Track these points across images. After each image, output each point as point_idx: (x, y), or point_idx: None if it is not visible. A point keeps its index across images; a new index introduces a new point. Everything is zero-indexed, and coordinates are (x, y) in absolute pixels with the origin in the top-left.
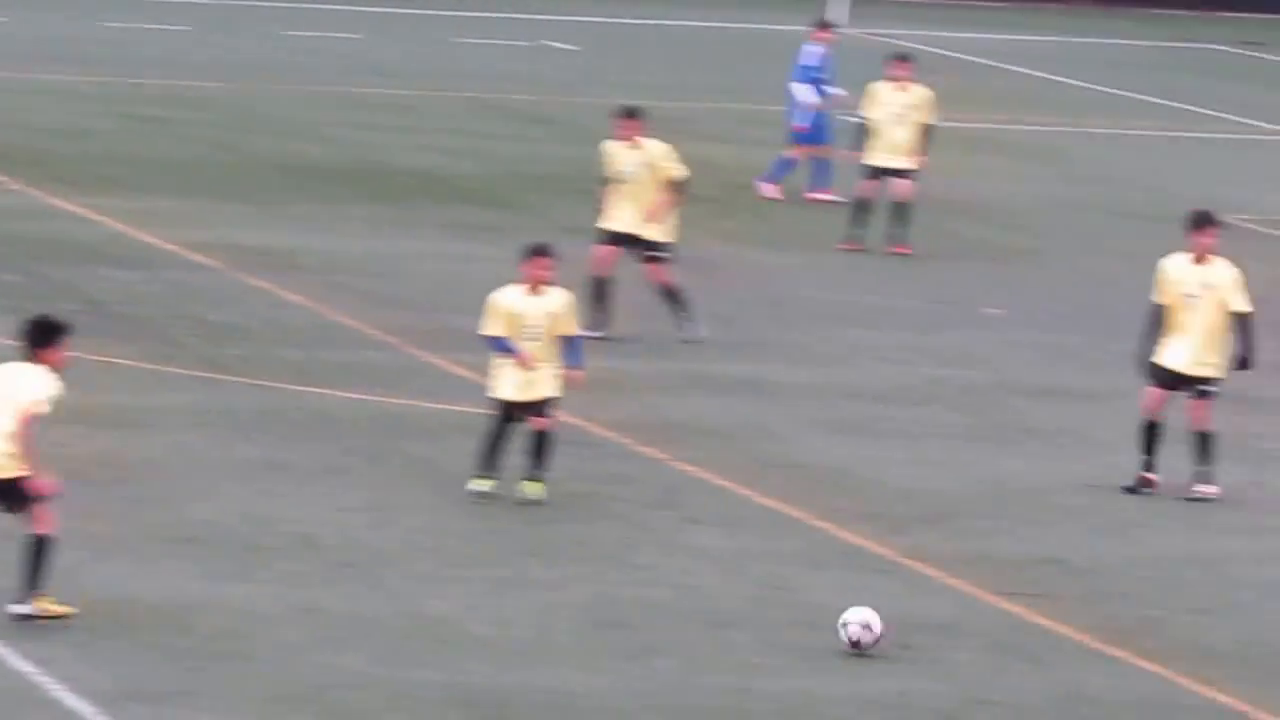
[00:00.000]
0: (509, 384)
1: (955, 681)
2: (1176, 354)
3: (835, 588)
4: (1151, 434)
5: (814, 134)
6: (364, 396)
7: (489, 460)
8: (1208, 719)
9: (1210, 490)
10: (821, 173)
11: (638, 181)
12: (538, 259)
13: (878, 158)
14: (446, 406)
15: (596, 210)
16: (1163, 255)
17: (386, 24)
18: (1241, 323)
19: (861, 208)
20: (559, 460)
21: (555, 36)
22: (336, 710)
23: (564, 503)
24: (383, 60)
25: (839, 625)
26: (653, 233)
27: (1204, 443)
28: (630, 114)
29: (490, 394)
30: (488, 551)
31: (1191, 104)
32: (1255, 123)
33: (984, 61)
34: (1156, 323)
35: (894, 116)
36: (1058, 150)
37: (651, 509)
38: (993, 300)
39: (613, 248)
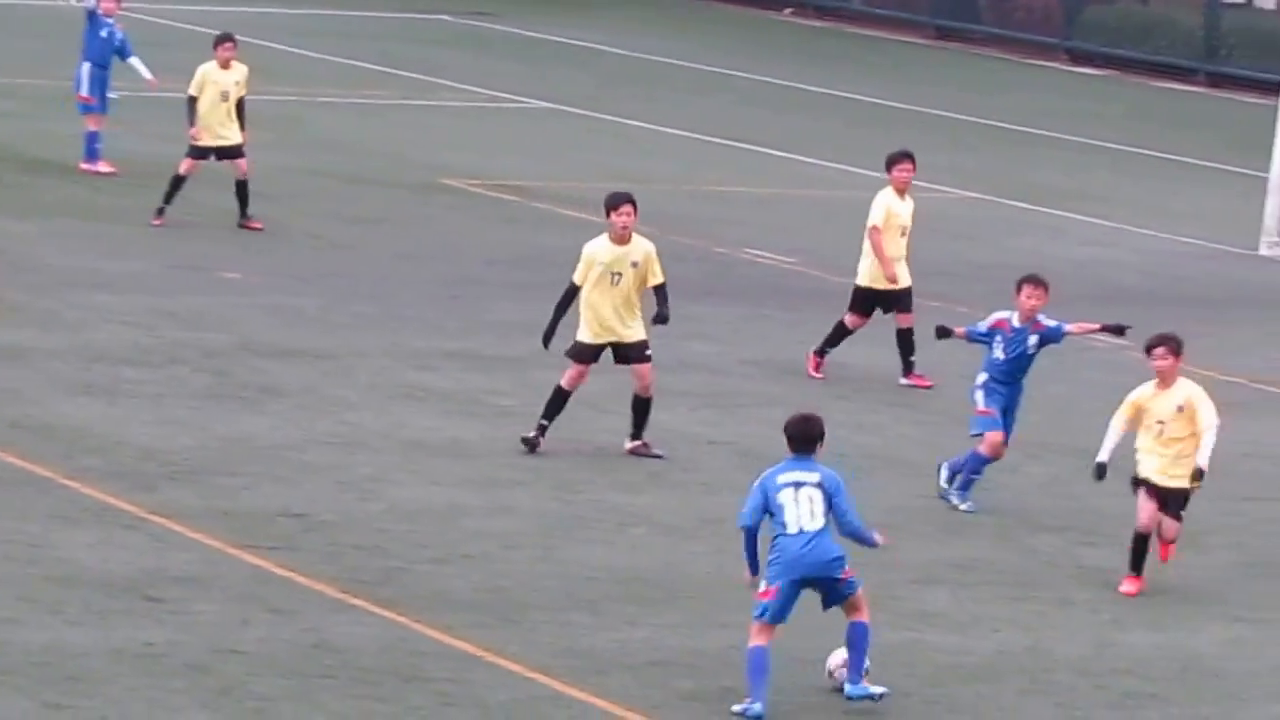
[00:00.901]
0: None
1: (202, 632)
2: (601, 329)
3: (84, 544)
4: (561, 403)
5: (97, 105)
6: None
7: None
8: (446, 664)
9: (657, 450)
10: (94, 143)
11: None
12: None
13: (205, 137)
14: None
15: None
16: (403, 220)
17: None
18: (661, 291)
19: (179, 184)
20: None
21: None
22: None
23: None
24: None
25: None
26: None
27: (647, 406)
28: None
29: None
30: None
31: (421, 73)
32: (482, 90)
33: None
34: (569, 302)
35: (220, 95)
36: (294, 119)
37: None
38: (232, 265)
39: None
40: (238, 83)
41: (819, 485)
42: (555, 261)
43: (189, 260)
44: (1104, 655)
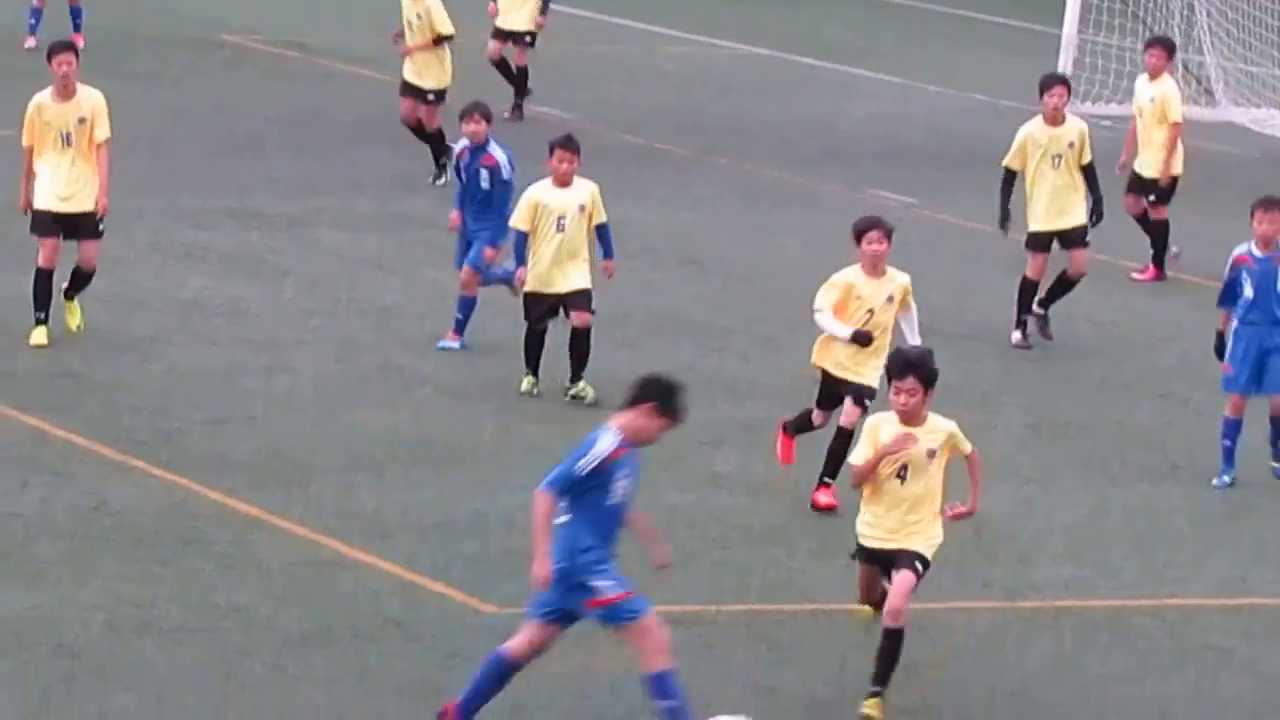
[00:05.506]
0: None
1: None
2: (1048, 214)
3: None
4: (1033, 293)
5: None
6: None
7: None
8: (227, 527)
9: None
10: None
11: None
12: None
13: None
14: None
15: None
16: (179, 77)
17: None
18: (1090, 175)
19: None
20: None
21: None
22: None
23: None
24: None
25: None
26: None
27: (1067, 289)
28: None
29: None
30: None
31: None
32: None
33: None
34: (1009, 186)
35: None
36: None
37: None
38: (7, 123)
39: None
40: None
41: None
42: (336, 119)
43: None
44: None
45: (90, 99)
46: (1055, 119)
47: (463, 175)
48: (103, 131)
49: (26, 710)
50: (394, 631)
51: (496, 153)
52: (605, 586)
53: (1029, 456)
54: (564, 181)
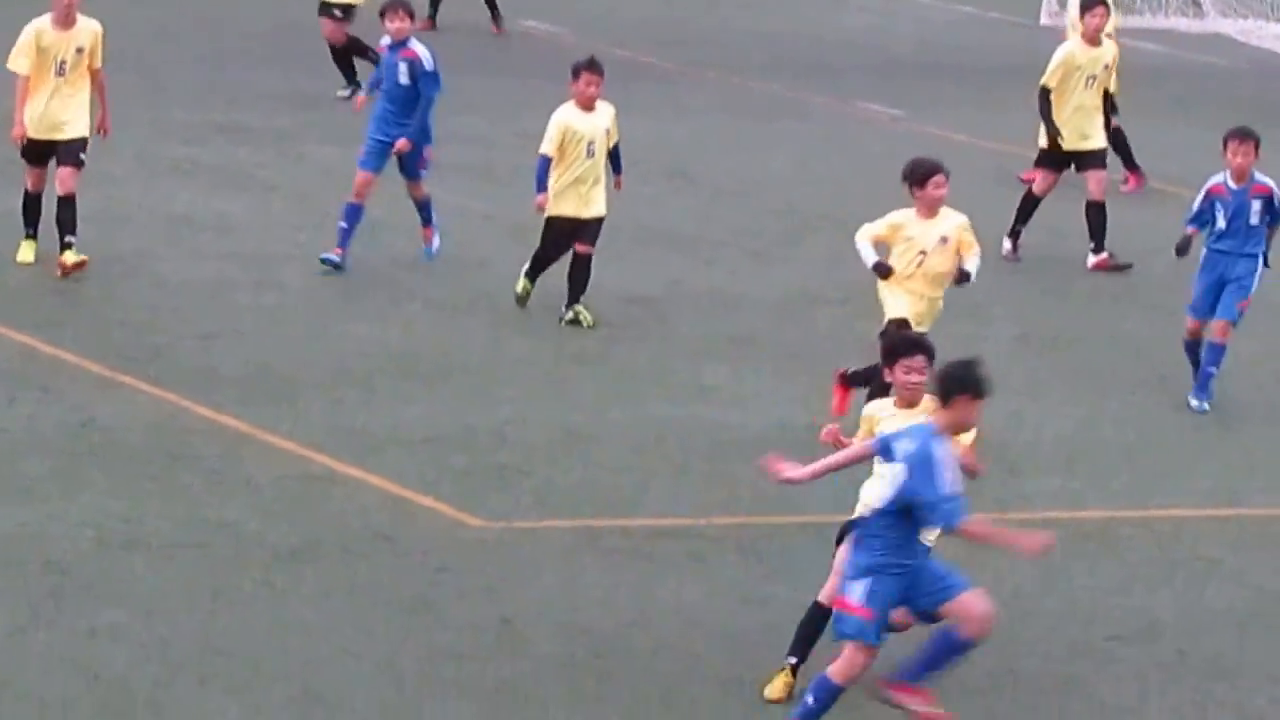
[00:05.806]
0: None
1: None
2: (1069, 135)
3: None
4: (1034, 207)
5: None
6: None
7: None
8: (216, 442)
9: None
10: None
11: None
12: None
13: None
14: None
15: None
16: None
17: None
18: (1107, 99)
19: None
20: None
21: None
22: None
23: None
24: None
25: None
26: None
27: (1102, 213)
28: None
29: None
30: None
31: None
32: None
33: None
34: (1047, 104)
35: None
36: None
37: None
38: None
39: None
40: None
41: None
42: (319, 33)
43: None
44: None
45: (89, 28)
46: (1095, 40)
47: (382, 72)
48: (98, 60)
49: (16, 626)
50: (383, 546)
51: (417, 47)
52: (856, 593)
53: (1019, 368)
54: (589, 105)
